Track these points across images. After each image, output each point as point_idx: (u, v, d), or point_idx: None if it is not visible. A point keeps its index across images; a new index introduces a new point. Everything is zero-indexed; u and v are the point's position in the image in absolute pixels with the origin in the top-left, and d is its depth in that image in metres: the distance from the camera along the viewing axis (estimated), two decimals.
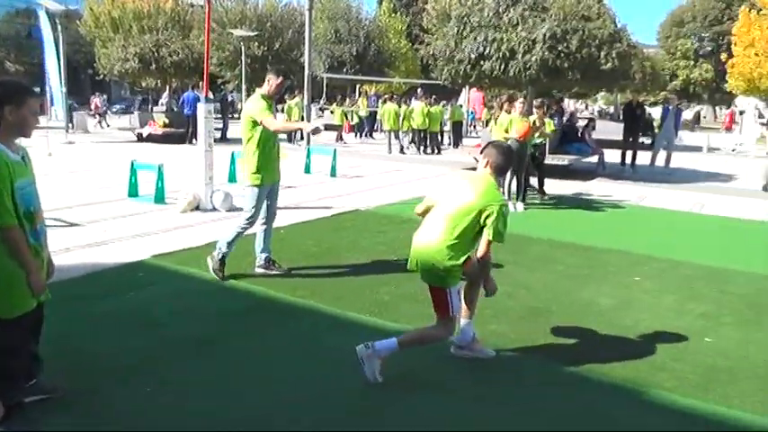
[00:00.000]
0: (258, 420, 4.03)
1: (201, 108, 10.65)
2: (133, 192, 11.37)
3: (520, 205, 11.63)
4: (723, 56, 36.09)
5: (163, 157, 15.11)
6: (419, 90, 27.27)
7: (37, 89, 6.62)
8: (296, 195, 12.09)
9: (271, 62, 35.50)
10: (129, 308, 5.88)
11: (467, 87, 26.44)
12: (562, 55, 15.69)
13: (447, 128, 26.31)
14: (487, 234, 4.45)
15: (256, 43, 30.56)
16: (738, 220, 11.64)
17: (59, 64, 22.21)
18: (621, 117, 20.38)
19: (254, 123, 6.59)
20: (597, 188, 14.98)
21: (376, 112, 27.35)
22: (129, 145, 22.46)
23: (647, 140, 19.73)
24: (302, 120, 19.16)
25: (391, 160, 19.77)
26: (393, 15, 47.82)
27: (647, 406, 4.49)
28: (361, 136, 26.43)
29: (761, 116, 34.51)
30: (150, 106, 44.37)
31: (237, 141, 8.40)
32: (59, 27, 22.33)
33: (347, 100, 32.55)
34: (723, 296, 6.97)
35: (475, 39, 16.45)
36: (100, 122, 33.73)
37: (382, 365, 4.51)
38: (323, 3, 38.48)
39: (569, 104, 47.51)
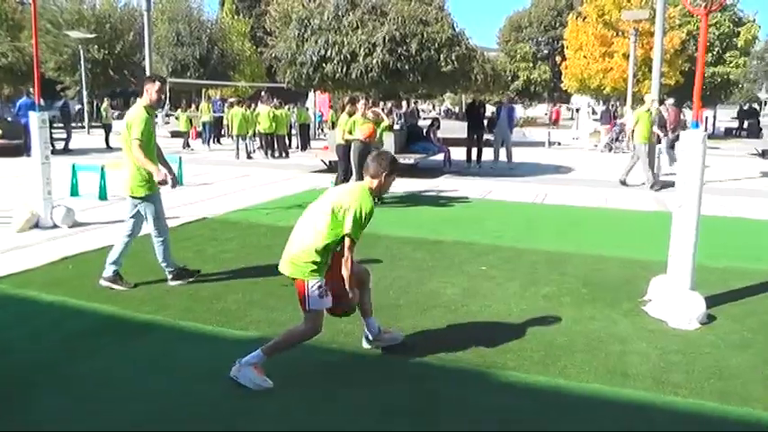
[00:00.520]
0: None
1: (34, 117, 9.83)
2: None
3: None
4: (558, 58, 38.39)
5: None
6: (263, 93, 26.94)
7: None
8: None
9: (112, 66, 34.17)
10: None
11: (312, 90, 26.50)
12: (402, 58, 16.02)
13: (294, 131, 26.25)
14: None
15: (96, 46, 29.19)
16: (576, 208, 12.32)
17: None
18: (465, 116, 21.05)
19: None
20: (444, 185, 15.41)
21: (222, 117, 26.82)
22: None
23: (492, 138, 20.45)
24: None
25: (239, 166, 19.48)
26: (236, 17, 46.94)
27: (490, 386, 4.64)
28: (208, 143, 25.79)
29: (594, 112, 36.88)
30: None
31: (81, 152, 8.00)
32: None
33: (192, 105, 31.80)
34: (562, 278, 7.34)
35: (316, 42, 16.50)
36: None
37: (259, 371, 4.50)
38: (163, 4, 37.29)
39: (412, 105, 48.60)
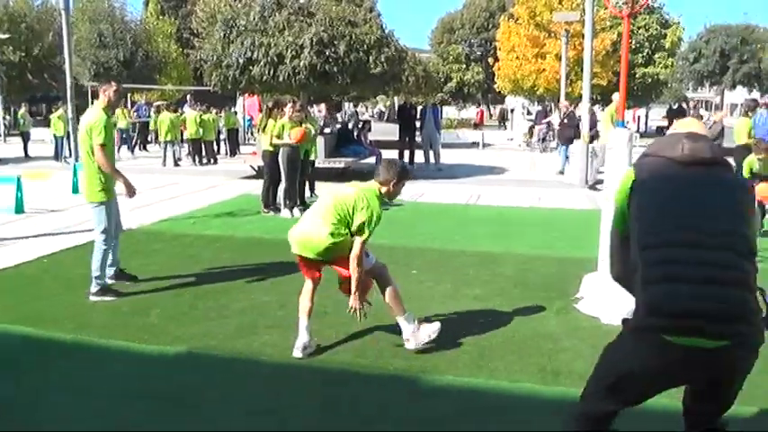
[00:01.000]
0: None
1: None
2: None
3: (296, 211, 11.55)
4: (491, 60, 38.89)
5: None
6: (189, 97, 26.42)
7: None
8: (63, 219, 11.13)
9: (30, 69, 33.03)
10: None
11: (240, 93, 26.19)
12: (330, 60, 15.88)
13: (222, 136, 25.86)
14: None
15: (11, 48, 28.17)
16: (509, 208, 12.43)
17: None
18: (397, 118, 21.08)
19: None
20: None
21: (148, 123, 26.19)
22: None
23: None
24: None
25: (166, 173, 19.04)
26: (161, 18, 45.96)
27: (420, 391, 4.63)
28: (132, 150, 25.16)
29: (529, 113, 37.45)
30: None
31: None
32: None
33: (116, 111, 31.03)
34: (494, 278, 7.38)
35: (242, 43, 16.24)
36: None
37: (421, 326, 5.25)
38: (83, 3, 36.19)
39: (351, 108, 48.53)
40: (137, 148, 25.82)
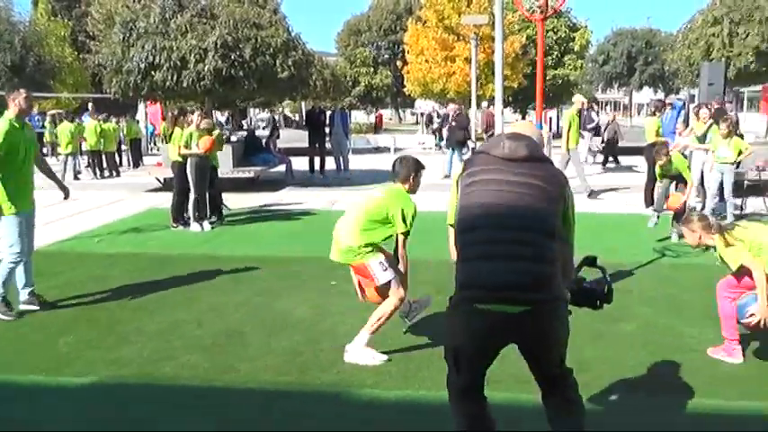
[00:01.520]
0: None
1: None
2: None
3: (206, 224, 11.39)
4: (399, 63, 39.22)
5: None
6: (90, 105, 25.64)
7: None
8: None
9: None
10: None
11: (142, 100, 25.56)
12: (236, 64, 15.70)
13: (124, 147, 25.19)
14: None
15: None
16: (427, 213, 12.48)
17: None
18: (306, 123, 21.02)
19: None
20: (287, 197, 15.31)
21: (42, 134, 25.21)
22: None
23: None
24: None
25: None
26: (53, 19, 44.28)
27: (347, 407, 4.67)
28: None
29: (438, 116, 37.96)
30: None
31: None
32: None
33: None
34: (415, 286, 7.40)
35: (143, 47, 15.83)
36: None
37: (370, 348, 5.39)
38: None
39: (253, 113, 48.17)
40: None
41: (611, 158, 21.53)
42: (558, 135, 22.66)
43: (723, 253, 5.27)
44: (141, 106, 30.04)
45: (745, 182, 12.56)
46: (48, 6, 46.39)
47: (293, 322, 6.38)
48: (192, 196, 11.24)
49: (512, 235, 3.06)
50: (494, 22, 13.77)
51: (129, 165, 24.25)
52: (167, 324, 6.34)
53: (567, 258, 3.37)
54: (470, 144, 18.40)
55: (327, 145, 19.65)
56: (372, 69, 52.89)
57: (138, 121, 28.11)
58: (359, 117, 52.49)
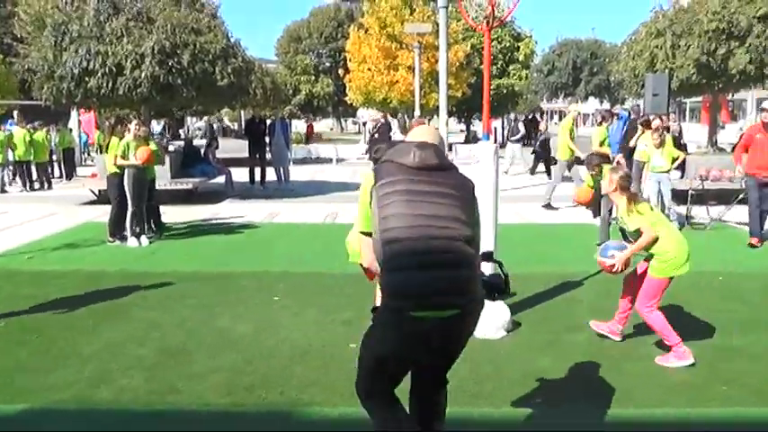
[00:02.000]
0: None
1: None
2: None
3: (144, 239, 11.20)
4: (341, 71, 39.24)
5: None
6: (15, 113, 24.94)
7: None
8: None
9: None
10: None
11: (75, 108, 25.03)
12: (174, 70, 15.51)
13: (56, 157, 24.61)
14: None
15: None
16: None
17: None
18: (245, 133, 20.88)
19: None
20: (227, 210, 15.18)
21: None
22: None
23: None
24: None
25: None
26: None
27: (294, 426, 4.69)
28: None
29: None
30: None
31: None
32: None
33: None
34: (363, 301, 7.41)
35: (76, 51, 15.49)
36: None
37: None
38: None
39: (191, 122, 47.68)
40: None
41: (540, 169, 21.97)
42: (503, 144, 23.00)
43: (625, 214, 5.83)
44: (74, 114, 29.42)
45: (690, 191, 12.89)
46: None
47: (236, 339, 6.33)
48: (129, 209, 11.05)
49: (436, 244, 3.21)
50: (437, 31, 13.91)
51: (61, 176, 23.70)
52: (104, 345, 6.22)
53: (478, 259, 3.54)
54: None
55: (268, 155, 19.55)
56: (313, 77, 52.86)
57: (71, 130, 27.48)
58: (300, 126, 52.31)
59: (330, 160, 28.72)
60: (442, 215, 3.27)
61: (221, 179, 18.16)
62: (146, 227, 11.52)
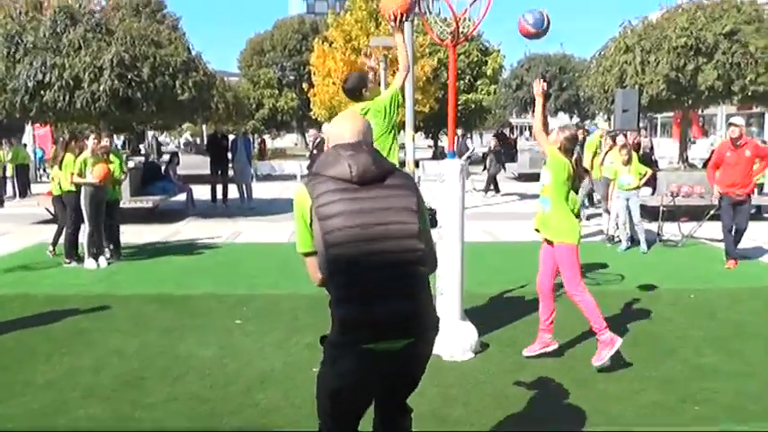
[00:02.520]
0: None
1: None
2: None
3: (102, 260, 11.07)
4: (305, 85, 39.28)
5: None
6: None
7: None
8: None
9: None
10: None
11: (30, 122, 24.75)
12: (134, 84, 15.38)
13: (9, 173, 24.27)
14: None
15: None
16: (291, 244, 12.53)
17: None
18: (207, 150, 20.79)
19: None
20: (189, 229, 15.11)
21: None
22: None
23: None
24: None
25: None
26: None
27: None
28: None
29: None
30: None
31: None
32: None
33: None
34: (325, 322, 7.41)
35: (31, 63, 15.28)
36: None
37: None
38: None
39: (151, 136, 47.26)
40: None
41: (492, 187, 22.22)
42: (472, 161, 23.14)
43: (551, 156, 6.16)
44: (29, 128, 29.15)
45: (661, 208, 13.06)
46: None
47: (197, 365, 6.28)
48: (86, 229, 10.91)
49: (387, 273, 3.06)
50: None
51: (14, 193, 23.38)
52: (61, 372, 6.14)
53: (433, 256, 3.39)
54: None
55: (230, 172, 19.48)
56: (277, 91, 52.84)
57: (25, 145, 27.21)
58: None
59: (294, 177, 28.65)
60: (393, 235, 3.08)
61: (182, 197, 18.04)
62: (104, 247, 11.39)
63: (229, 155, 19.47)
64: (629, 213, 12.01)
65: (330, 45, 35.69)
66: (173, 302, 8.66)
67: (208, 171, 19.59)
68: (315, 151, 18.25)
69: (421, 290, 3.18)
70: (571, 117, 42.77)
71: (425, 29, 6.45)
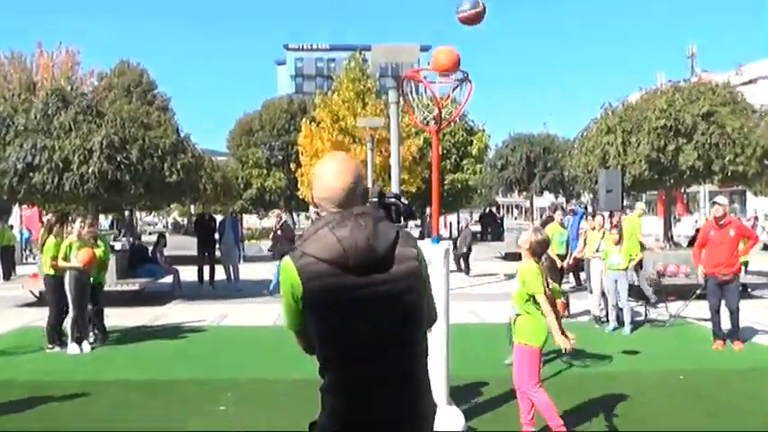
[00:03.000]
0: None
1: None
2: None
3: (86, 345, 10.90)
4: (293, 165, 39.50)
5: None
6: None
7: None
8: None
9: None
10: None
11: (18, 204, 24.71)
12: (122, 166, 15.43)
13: None
14: None
15: None
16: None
17: None
18: (194, 230, 20.75)
19: None
20: (175, 312, 14.94)
21: None
22: None
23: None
24: None
25: None
26: None
27: None
28: None
29: None
30: None
31: None
32: None
33: None
34: (315, 407, 7.28)
35: (21, 146, 15.37)
36: None
37: None
38: None
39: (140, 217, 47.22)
40: None
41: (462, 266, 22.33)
42: (455, 243, 23.17)
43: (524, 272, 6.23)
44: (16, 209, 29.11)
45: (648, 287, 13.06)
46: None
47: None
48: (70, 314, 10.78)
49: (390, 373, 2.76)
50: (390, 125, 14.09)
51: None
52: None
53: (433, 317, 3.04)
54: None
55: (218, 253, 19.40)
56: (265, 171, 53.03)
57: (11, 226, 27.08)
58: (251, 221, 52.11)
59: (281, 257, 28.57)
60: (400, 334, 2.76)
61: (169, 278, 17.92)
62: (88, 332, 11.25)
63: (217, 236, 19.44)
64: (618, 294, 12.00)
65: (318, 125, 35.97)
66: (155, 388, 8.52)
67: (195, 252, 19.51)
68: (279, 232, 18.02)
69: (424, 391, 2.95)
70: (556, 196, 43.08)
71: (408, 114, 6.50)
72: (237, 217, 27.90)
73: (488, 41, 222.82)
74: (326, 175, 2.85)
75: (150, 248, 18.79)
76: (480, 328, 12.51)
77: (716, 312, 10.67)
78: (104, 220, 35.03)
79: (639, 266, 13.98)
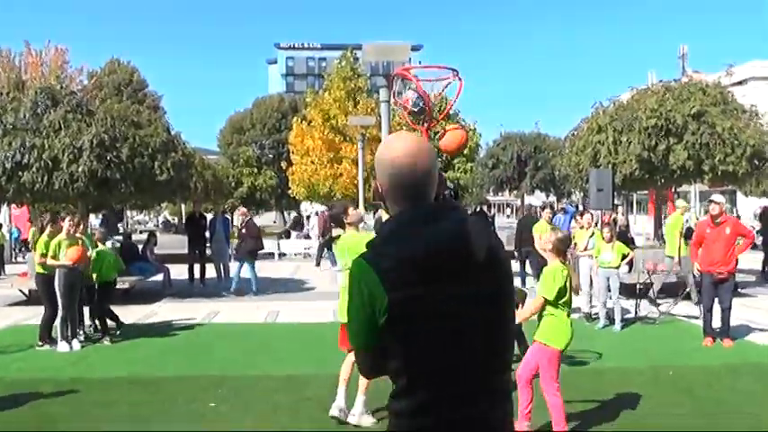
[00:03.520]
0: None
1: None
2: None
3: (76, 343, 10.86)
4: (284, 163, 39.46)
5: None
6: None
7: None
8: None
9: None
10: None
11: (6, 203, 24.59)
12: (112, 165, 15.33)
13: None
14: None
15: None
16: (313, 324, 12.42)
17: None
18: (185, 229, 20.71)
19: None
20: (165, 310, 14.91)
21: None
22: None
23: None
24: None
25: None
26: None
27: None
28: None
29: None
30: None
31: None
32: None
33: None
34: (304, 404, 7.33)
35: (10, 144, 15.23)
36: None
37: None
38: None
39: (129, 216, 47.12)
40: None
41: None
42: None
43: (545, 274, 6.28)
44: (5, 208, 29.01)
45: (638, 285, 13.09)
46: None
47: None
48: (59, 312, 10.74)
49: (491, 384, 2.37)
50: (381, 123, 14.05)
51: None
52: None
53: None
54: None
55: (208, 251, 19.35)
56: (256, 169, 53.01)
57: (0, 225, 27.02)
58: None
59: (272, 255, 28.51)
60: (502, 338, 2.43)
61: (159, 276, 17.86)
62: (78, 330, 11.22)
63: (207, 234, 19.39)
64: (609, 291, 12.05)
65: (309, 124, 35.98)
66: (147, 385, 8.50)
67: (186, 250, 19.45)
68: (244, 230, 17.86)
69: (510, 411, 2.48)
70: (547, 195, 43.21)
71: (402, 112, 6.51)
72: (228, 215, 27.87)
73: (478, 39, 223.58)
74: (400, 157, 2.36)
75: (141, 247, 18.73)
76: None
77: (708, 311, 10.70)
78: (95, 219, 34.83)
79: (631, 264, 14.05)
